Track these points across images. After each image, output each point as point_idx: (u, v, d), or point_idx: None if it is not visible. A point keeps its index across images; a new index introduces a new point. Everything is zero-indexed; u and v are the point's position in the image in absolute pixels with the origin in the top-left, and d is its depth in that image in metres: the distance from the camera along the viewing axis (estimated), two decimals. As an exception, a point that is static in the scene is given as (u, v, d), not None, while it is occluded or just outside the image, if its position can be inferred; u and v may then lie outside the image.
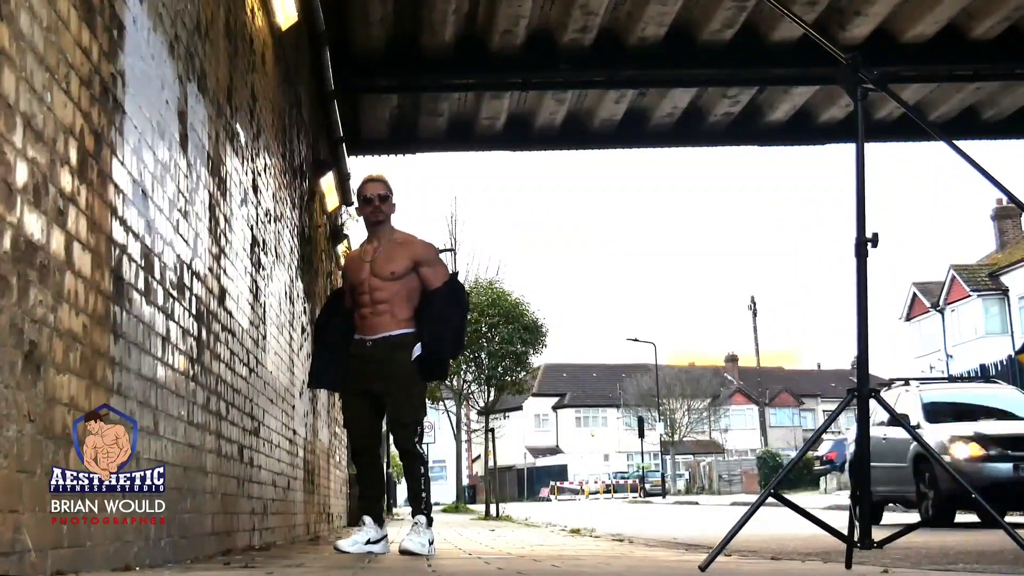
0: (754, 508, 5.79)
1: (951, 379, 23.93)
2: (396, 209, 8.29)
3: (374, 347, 7.96)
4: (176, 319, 6.02)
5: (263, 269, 9.45)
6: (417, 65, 14.70)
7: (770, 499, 5.81)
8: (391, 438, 8.15)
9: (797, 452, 5.67)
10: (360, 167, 35.75)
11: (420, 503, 8.06)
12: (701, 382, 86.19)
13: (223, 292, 7.53)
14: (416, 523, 7.91)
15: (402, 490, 72.68)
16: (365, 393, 8.01)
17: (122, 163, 5.01)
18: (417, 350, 7.99)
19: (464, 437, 64.72)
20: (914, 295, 61.50)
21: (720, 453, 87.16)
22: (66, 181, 4.20)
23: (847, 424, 75.61)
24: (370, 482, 8.22)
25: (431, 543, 7.85)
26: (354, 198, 8.27)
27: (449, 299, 8.20)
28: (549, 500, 78.19)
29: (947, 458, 14.59)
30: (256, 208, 9.14)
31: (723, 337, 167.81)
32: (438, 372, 8.23)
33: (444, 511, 42.82)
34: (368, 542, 7.87)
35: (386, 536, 8.05)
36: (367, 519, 8.00)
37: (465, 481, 67.04)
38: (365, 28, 14.07)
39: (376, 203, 8.11)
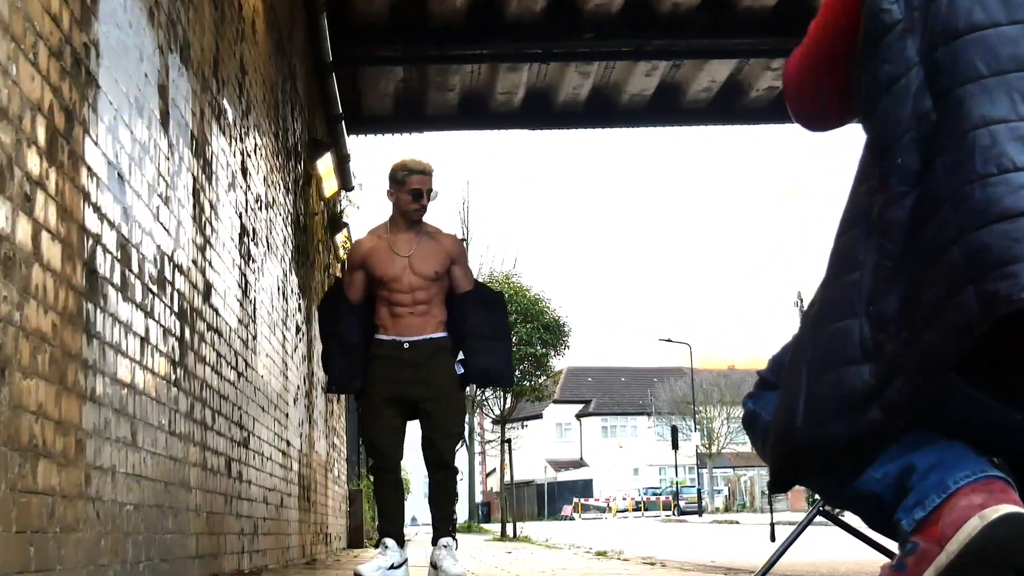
0: (801, 528, 5.78)
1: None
2: None
3: (412, 349, 7.99)
4: (156, 317, 6.02)
5: (253, 261, 9.45)
6: (425, 34, 14.69)
7: (819, 518, 5.79)
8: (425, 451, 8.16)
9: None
10: (361, 147, 35.83)
11: (451, 523, 8.11)
12: (742, 387, 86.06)
13: (208, 287, 7.53)
14: (448, 546, 7.95)
15: (409, 508, 72.78)
16: (396, 400, 8.02)
17: (96, 143, 5.01)
18: (458, 368, 8.06)
19: (478, 449, 64.80)
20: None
21: (763, 467, 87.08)
22: (33, 163, 4.20)
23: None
24: (393, 500, 8.24)
25: None
26: (387, 180, 8.22)
27: (494, 313, 8.29)
28: (572, 519, 78.30)
29: None
30: (245, 193, 9.15)
31: (766, 337, 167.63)
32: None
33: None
34: (392, 567, 7.89)
35: (407, 560, 8.08)
36: (390, 542, 8.01)
37: (479, 498, 67.11)
38: (367, -8, 14.07)
39: (425, 201, 8.14)
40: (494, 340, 8.23)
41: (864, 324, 2.62)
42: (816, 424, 2.66)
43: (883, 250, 2.61)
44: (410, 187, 8.12)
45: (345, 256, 16.94)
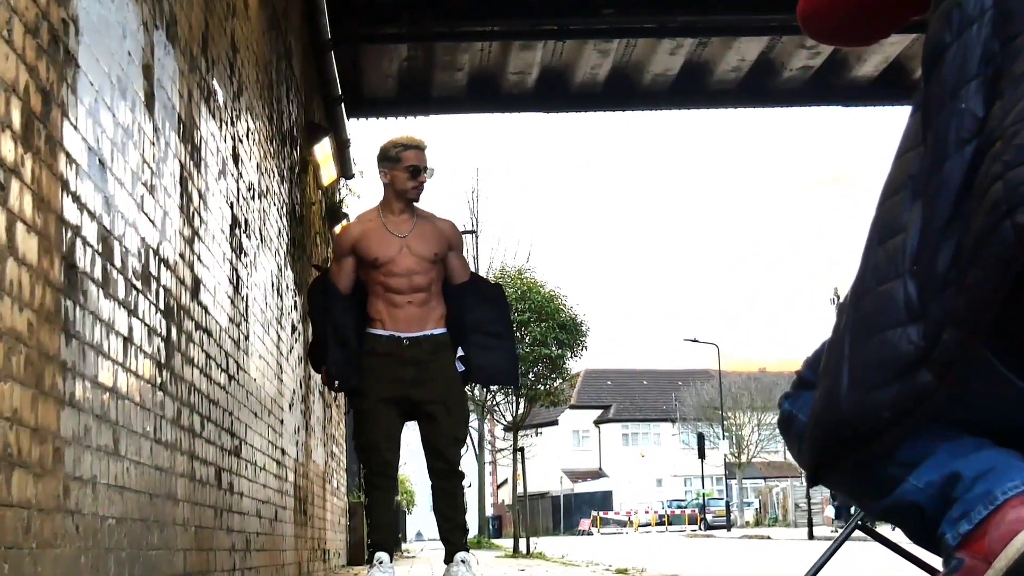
0: (839, 542, 5.77)
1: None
2: None
3: (413, 346, 7.99)
4: (140, 316, 6.02)
5: (245, 255, 9.46)
6: (431, 9, 14.69)
7: (857, 532, 5.78)
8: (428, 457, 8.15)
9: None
10: (362, 132, 35.77)
11: (464, 536, 8.11)
12: (773, 391, 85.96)
13: (197, 283, 7.53)
14: (466, 561, 7.94)
15: (414, 521, 72.82)
16: (395, 401, 8.02)
17: (75, 127, 5.01)
18: (458, 366, 8.06)
19: (488, 458, 64.79)
20: None
21: (796, 477, 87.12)
22: (7, 149, 4.19)
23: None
24: (387, 511, 8.24)
25: None
26: (379, 160, 8.24)
27: (496, 308, 8.31)
28: (590, 534, 78.34)
29: None
30: (237, 182, 9.15)
31: (800, 338, 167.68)
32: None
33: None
34: None
35: None
36: (384, 556, 8.00)
37: (489, 511, 67.11)
38: (368, -36, 14.07)
39: (424, 178, 8.17)
40: (498, 337, 8.23)
41: (908, 284, 2.62)
42: (863, 391, 2.66)
43: (932, 210, 2.61)
44: (406, 164, 8.14)
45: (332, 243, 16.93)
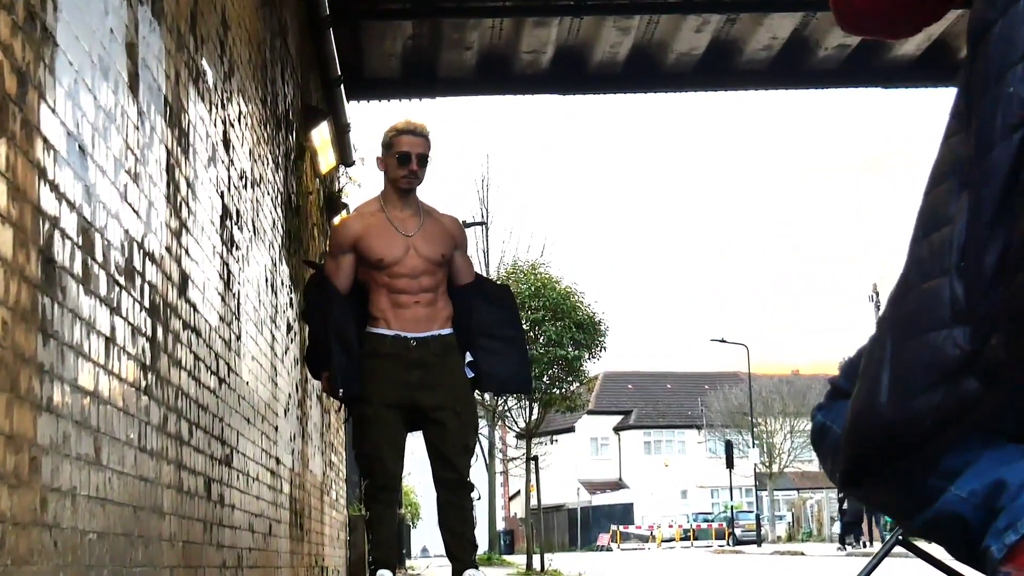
0: (878, 558, 5.75)
1: None
2: None
3: (420, 347, 7.97)
4: (124, 314, 6.02)
5: (237, 249, 9.45)
6: (437, -17, 14.68)
7: (898, 547, 5.77)
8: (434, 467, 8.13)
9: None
10: (363, 115, 35.82)
11: (473, 552, 8.10)
12: (807, 396, 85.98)
13: (185, 279, 7.53)
14: None
15: (419, 536, 72.89)
16: (399, 407, 8.00)
17: (53, 110, 5.00)
18: (467, 372, 8.05)
19: (499, 468, 64.80)
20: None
21: (832, 488, 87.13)
22: (-20, 134, 4.19)
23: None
24: (389, 525, 8.23)
25: None
26: (379, 147, 8.23)
27: (504, 310, 8.29)
28: (610, 549, 78.35)
29: None
30: (228, 169, 9.15)
31: (836, 339, 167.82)
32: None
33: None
34: None
35: None
36: (386, 573, 8.00)
37: (500, 525, 67.14)
38: (369, -65, 14.07)
39: (414, 166, 8.11)
40: (508, 341, 8.22)
41: (955, 282, 2.60)
42: (904, 396, 2.64)
43: (979, 202, 2.60)
44: (397, 150, 8.10)
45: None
